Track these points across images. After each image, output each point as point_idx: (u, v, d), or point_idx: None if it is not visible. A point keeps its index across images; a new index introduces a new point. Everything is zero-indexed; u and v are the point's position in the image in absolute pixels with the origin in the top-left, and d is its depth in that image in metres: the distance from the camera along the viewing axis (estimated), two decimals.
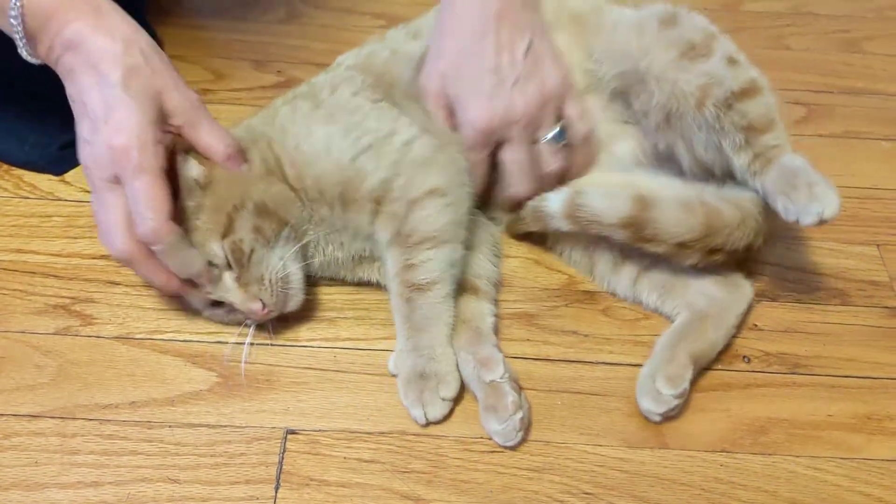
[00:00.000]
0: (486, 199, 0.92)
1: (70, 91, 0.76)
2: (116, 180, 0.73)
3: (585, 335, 0.86)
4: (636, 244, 0.82)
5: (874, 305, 0.90)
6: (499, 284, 0.90)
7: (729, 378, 0.83)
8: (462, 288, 0.85)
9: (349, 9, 1.27)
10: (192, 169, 0.78)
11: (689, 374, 0.79)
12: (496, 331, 0.85)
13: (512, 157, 0.87)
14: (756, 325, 0.88)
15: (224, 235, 0.78)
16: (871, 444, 0.79)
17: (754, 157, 0.82)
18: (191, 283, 0.78)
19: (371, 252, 0.86)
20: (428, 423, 0.78)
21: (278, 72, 1.14)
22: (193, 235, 0.77)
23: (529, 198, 0.88)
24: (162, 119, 0.75)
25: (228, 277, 0.79)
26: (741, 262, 0.87)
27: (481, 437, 0.77)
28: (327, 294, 0.89)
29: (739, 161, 0.83)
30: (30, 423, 0.77)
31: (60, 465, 0.74)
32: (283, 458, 0.75)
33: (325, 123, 0.84)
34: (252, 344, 0.82)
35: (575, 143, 0.89)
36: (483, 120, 0.84)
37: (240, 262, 0.78)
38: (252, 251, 0.78)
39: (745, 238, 0.83)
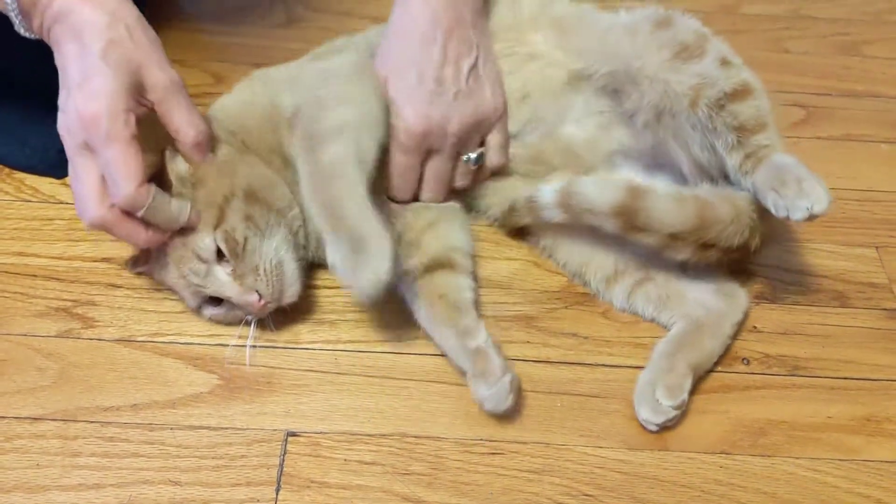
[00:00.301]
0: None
1: (56, 61, 0.76)
2: (87, 147, 0.73)
3: (585, 337, 0.86)
4: (628, 234, 0.82)
5: (873, 307, 0.90)
6: (474, 258, 0.90)
7: (728, 380, 0.83)
8: (438, 263, 0.85)
9: (348, 12, 1.27)
10: (179, 165, 0.79)
11: (688, 385, 0.79)
12: (477, 305, 0.84)
13: (434, 167, 0.88)
14: (755, 327, 0.88)
15: (216, 226, 0.78)
16: (870, 446, 0.79)
17: (746, 157, 0.82)
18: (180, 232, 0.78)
19: None
20: (369, 304, 0.77)
21: None
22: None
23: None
24: (138, 91, 0.75)
25: (221, 272, 0.79)
26: (737, 263, 0.87)
27: (481, 439, 0.78)
28: (328, 296, 0.89)
29: (732, 161, 0.83)
30: (31, 425, 0.77)
31: (62, 468, 0.74)
32: (283, 460, 0.76)
33: (249, 83, 0.90)
34: (254, 346, 0.82)
35: (488, 168, 0.91)
36: (419, 125, 0.85)
37: (234, 252, 0.78)
38: (246, 240, 0.78)
39: (739, 235, 0.82)
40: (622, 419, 0.80)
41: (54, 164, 0.99)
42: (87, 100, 0.72)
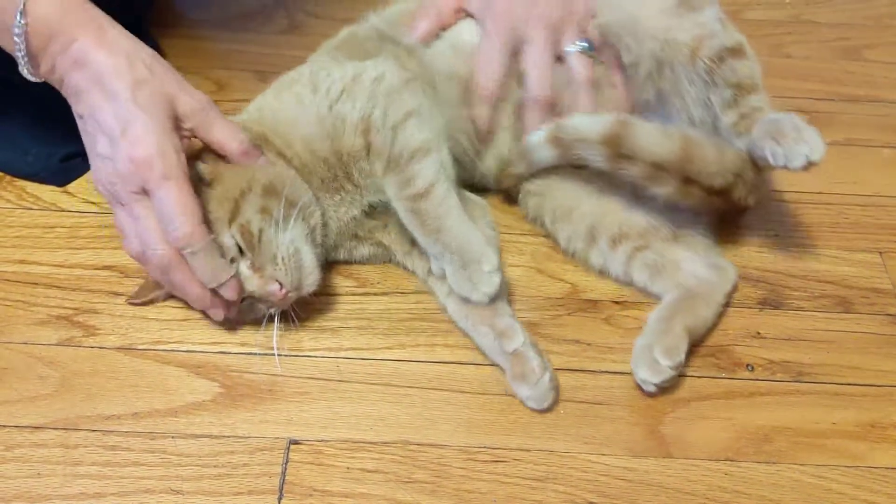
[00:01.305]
0: (473, 173, 0.96)
1: (79, 110, 0.77)
2: (143, 192, 0.74)
3: (588, 344, 0.86)
4: (615, 163, 0.84)
5: (877, 313, 0.90)
6: (499, 250, 0.91)
7: (732, 386, 0.83)
8: None
9: (350, 19, 1.26)
10: (198, 167, 0.79)
11: (684, 346, 0.81)
12: (508, 301, 0.86)
13: (532, 57, 0.90)
14: (759, 333, 0.88)
15: (231, 221, 0.78)
16: (875, 452, 0.78)
17: (740, 117, 0.85)
18: (220, 299, 0.79)
19: (385, 206, 0.87)
20: (489, 301, 0.81)
21: None
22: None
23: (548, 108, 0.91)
24: (176, 125, 0.76)
25: (244, 266, 0.79)
26: (722, 215, 0.90)
27: (485, 447, 0.77)
28: (330, 304, 0.89)
29: (727, 118, 0.86)
30: (32, 434, 0.77)
31: (63, 477, 0.74)
32: (286, 468, 0.75)
33: (290, 87, 0.88)
34: (255, 354, 0.82)
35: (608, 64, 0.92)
36: (503, 9, 0.88)
37: (250, 244, 0.78)
38: (261, 231, 0.78)
39: (721, 177, 0.84)
40: (626, 426, 0.79)
41: (56, 172, 0.99)
42: (136, 145, 0.73)
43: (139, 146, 0.73)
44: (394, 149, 0.82)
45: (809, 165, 0.79)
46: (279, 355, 0.83)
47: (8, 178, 1.00)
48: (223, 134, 0.80)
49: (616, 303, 0.90)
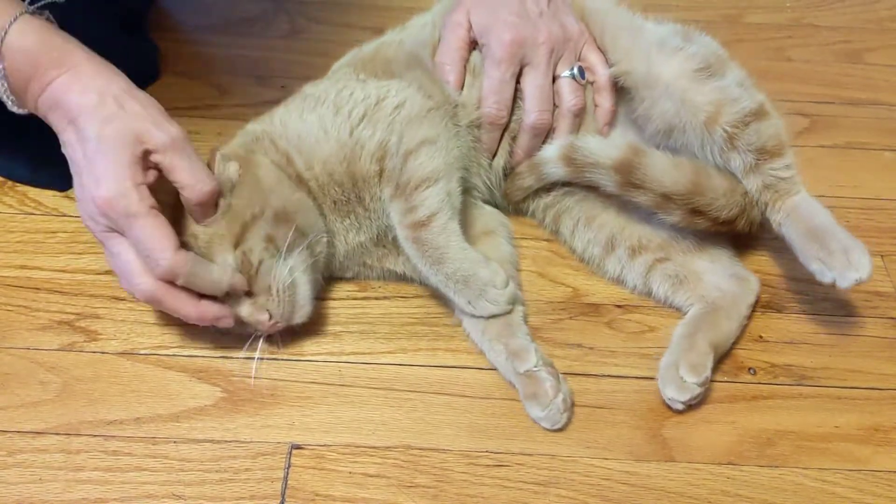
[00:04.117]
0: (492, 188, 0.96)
1: (63, 149, 0.77)
2: (114, 230, 0.74)
3: (590, 348, 0.86)
4: (625, 190, 0.85)
5: (879, 316, 0.90)
6: (518, 270, 0.92)
7: (735, 390, 0.83)
8: None
9: (350, 24, 1.28)
10: (230, 168, 0.80)
11: (710, 362, 0.80)
12: (526, 320, 0.86)
13: (533, 81, 0.90)
14: (762, 337, 0.87)
15: (235, 245, 0.78)
16: (878, 456, 0.78)
17: (764, 186, 0.85)
18: (223, 301, 0.78)
19: (393, 233, 0.86)
20: (493, 315, 0.82)
21: (281, 87, 1.14)
22: (212, 241, 0.77)
23: (545, 132, 0.92)
24: (144, 159, 0.74)
25: None
26: (737, 239, 0.90)
27: (487, 451, 0.77)
28: (332, 308, 0.89)
29: (748, 184, 0.85)
30: (34, 439, 0.77)
31: (65, 482, 0.74)
32: (288, 473, 0.75)
33: (314, 109, 0.87)
34: (259, 359, 0.82)
35: (599, 84, 0.92)
36: (510, 34, 0.89)
37: (247, 273, 0.78)
38: (261, 262, 0.78)
39: (728, 209, 0.85)
40: (628, 430, 0.79)
41: (57, 178, 0.99)
42: (97, 185, 0.72)
43: (101, 187, 0.72)
44: (402, 175, 0.82)
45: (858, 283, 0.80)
46: (282, 360, 0.83)
47: (9, 183, 1.00)
48: (185, 177, 0.75)
49: (618, 306, 0.90)
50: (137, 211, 0.72)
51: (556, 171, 0.89)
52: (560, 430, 0.79)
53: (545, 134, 0.92)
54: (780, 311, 0.90)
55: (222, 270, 0.77)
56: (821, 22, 1.34)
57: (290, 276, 0.79)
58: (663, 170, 0.84)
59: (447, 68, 0.91)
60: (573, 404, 0.80)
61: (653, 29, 0.91)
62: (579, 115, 0.93)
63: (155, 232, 0.73)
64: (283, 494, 0.74)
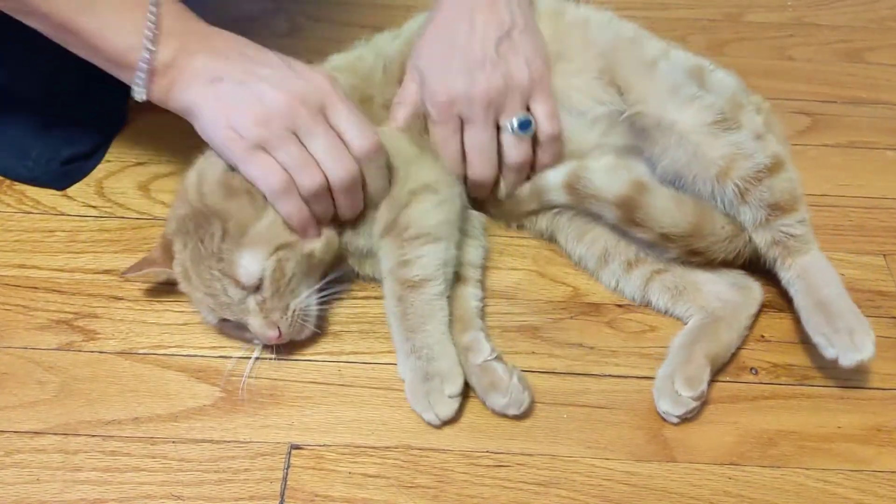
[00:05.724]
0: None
1: (223, 85, 0.79)
2: (322, 111, 0.78)
3: (591, 348, 0.86)
4: (624, 225, 0.85)
5: (882, 316, 0.90)
6: (483, 267, 0.91)
7: (737, 390, 0.83)
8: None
9: (349, 22, 1.27)
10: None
11: (706, 375, 0.79)
12: (482, 315, 0.85)
13: (471, 139, 0.88)
14: (763, 337, 0.87)
15: (277, 248, 0.78)
16: (880, 456, 0.78)
17: (773, 242, 0.83)
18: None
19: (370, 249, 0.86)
20: (442, 424, 0.78)
21: None
22: (250, 233, 0.78)
23: (491, 186, 0.90)
24: None
25: (252, 301, 0.78)
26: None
27: (487, 452, 0.77)
28: (331, 308, 0.88)
29: (757, 239, 0.84)
30: (32, 439, 0.76)
31: (63, 482, 0.73)
32: (287, 473, 0.75)
33: None
34: (257, 359, 0.82)
35: (541, 139, 0.89)
36: (442, 93, 0.86)
37: (277, 284, 0.78)
38: (292, 277, 0.79)
39: (725, 253, 0.85)
40: (629, 430, 0.79)
41: (56, 176, 0.98)
42: (306, 70, 0.80)
43: (310, 71, 0.80)
44: (403, 216, 0.82)
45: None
46: (281, 359, 0.83)
47: (8, 181, 0.99)
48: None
49: (619, 306, 0.90)
50: (348, 95, 0.80)
51: (559, 197, 0.88)
52: (525, 412, 0.78)
53: (494, 184, 0.90)
54: (782, 311, 0.89)
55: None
56: (822, 21, 1.34)
57: (308, 300, 0.81)
58: (665, 210, 0.83)
59: (400, 109, 0.89)
60: (529, 387, 0.79)
61: (666, 71, 0.87)
62: (524, 169, 0.90)
63: (362, 114, 0.80)
64: (282, 495, 0.73)
